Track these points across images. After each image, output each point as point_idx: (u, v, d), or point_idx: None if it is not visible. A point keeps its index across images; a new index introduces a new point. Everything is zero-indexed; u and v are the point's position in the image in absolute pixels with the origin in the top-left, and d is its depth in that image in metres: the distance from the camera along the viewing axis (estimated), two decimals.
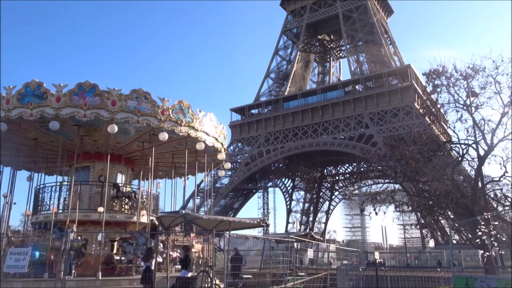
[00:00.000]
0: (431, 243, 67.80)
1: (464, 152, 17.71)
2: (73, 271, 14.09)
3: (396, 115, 71.08)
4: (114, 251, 16.31)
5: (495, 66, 16.50)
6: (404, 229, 64.09)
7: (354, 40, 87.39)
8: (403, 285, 17.09)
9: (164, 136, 15.15)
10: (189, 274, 13.63)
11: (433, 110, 22.35)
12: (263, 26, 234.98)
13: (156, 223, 16.52)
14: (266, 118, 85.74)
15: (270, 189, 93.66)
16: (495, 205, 17.49)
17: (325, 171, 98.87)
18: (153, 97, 15.18)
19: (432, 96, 19.59)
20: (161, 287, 13.68)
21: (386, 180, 26.49)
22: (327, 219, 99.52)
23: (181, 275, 13.62)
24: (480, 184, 17.17)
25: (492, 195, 17.68)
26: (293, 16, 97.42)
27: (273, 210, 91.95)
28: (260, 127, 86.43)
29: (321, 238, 43.86)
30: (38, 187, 18.50)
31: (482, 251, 13.45)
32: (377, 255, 35.62)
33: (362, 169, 72.90)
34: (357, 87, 80.00)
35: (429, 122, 38.89)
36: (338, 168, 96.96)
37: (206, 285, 13.62)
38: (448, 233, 35.49)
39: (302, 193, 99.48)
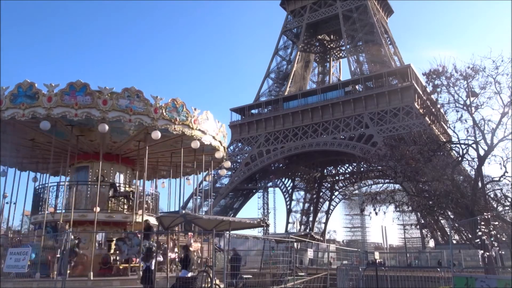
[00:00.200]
0: (431, 243, 67.79)
1: (464, 152, 17.72)
2: (68, 271, 14.03)
3: (396, 115, 71.08)
4: (112, 251, 16.28)
5: (495, 66, 16.54)
6: (404, 229, 64.07)
7: (354, 40, 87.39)
8: (403, 285, 17.09)
9: (156, 134, 14.99)
10: (189, 274, 13.63)
11: (433, 110, 22.36)
12: (263, 26, 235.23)
13: (150, 223, 16.49)
14: (266, 118, 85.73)
15: (270, 189, 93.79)
16: (495, 205, 17.49)
17: (325, 171, 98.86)
18: (145, 96, 15.02)
19: (432, 96, 19.60)
20: (161, 287, 13.68)
21: (386, 180, 26.50)
22: (327, 219, 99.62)
23: (181, 275, 13.62)
24: (480, 184, 17.18)
25: (492, 195, 17.68)
26: (293, 16, 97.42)
27: (273, 210, 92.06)
28: (260, 127, 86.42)
29: (321, 238, 43.87)
30: (37, 187, 18.52)
31: (482, 251, 13.46)
32: (377, 255, 35.60)
33: (362, 169, 72.88)
34: (357, 87, 79.99)
35: (429, 122, 38.90)
36: (338, 168, 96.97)
37: (206, 285, 13.62)
38: (448, 233, 35.49)
39: (302, 193, 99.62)
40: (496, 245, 12.78)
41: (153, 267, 13.41)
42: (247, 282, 17.90)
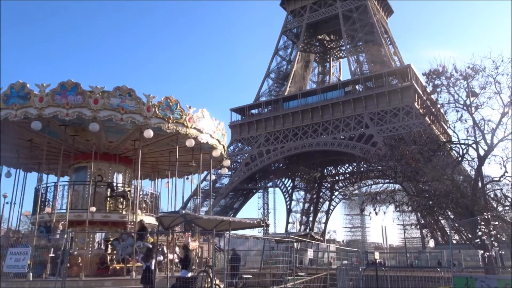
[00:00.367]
0: (431, 243, 67.79)
1: (464, 152, 17.72)
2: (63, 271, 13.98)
3: (396, 115, 71.08)
4: (109, 251, 16.27)
5: (495, 66, 16.53)
6: (404, 229, 64.06)
7: (354, 40, 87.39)
8: (403, 285, 17.09)
9: (149, 133, 14.84)
10: (189, 274, 13.63)
11: (433, 110, 22.36)
12: (263, 26, 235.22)
13: (145, 223, 16.44)
14: (266, 118, 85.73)
15: (270, 189, 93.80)
16: (495, 205, 17.49)
17: (325, 171, 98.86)
18: (138, 94, 14.90)
19: (432, 96, 19.60)
20: (161, 287, 13.68)
21: (386, 180, 26.49)
22: (327, 219, 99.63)
23: (181, 275, 13.62)
24: (480, 184, 17.17)
25: (492, 195, 17.68)
26: (293, 16, 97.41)
27: (273, 210, 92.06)
28: (260, 127, 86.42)
29: (321, 238, 43.87)
30: (37, 187, 18.51)
31: (482, 251, 13.45)
32: (377, 255, 35.60)
33: (362, 169, 72.90)
34: (357, 87, 79.99)
35: (429, 122, 38.91)
36: (338, 168, 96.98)
37: (206, 285, 13.62)
38: (448, 233, 35.46)
39: (302, 193, 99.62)
40: (496, 245, 12.77)
41: (153, 267, 13.41)
42: (247, 282, 17.91)
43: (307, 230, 79.04)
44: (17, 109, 14.18)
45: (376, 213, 20.56)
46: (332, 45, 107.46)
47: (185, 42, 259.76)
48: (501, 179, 16.81)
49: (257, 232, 65.18)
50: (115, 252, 15.69)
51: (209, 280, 13.48)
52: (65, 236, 14.21)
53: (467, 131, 17.33)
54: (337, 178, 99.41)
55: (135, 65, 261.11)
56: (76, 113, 14.06)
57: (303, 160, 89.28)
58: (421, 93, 64.01)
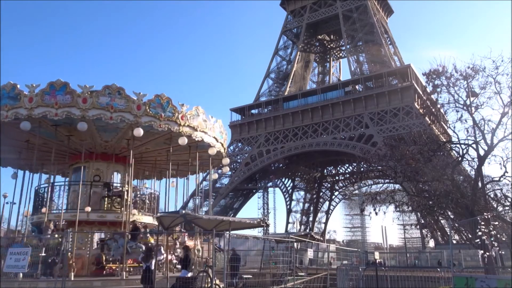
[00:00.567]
0: (431, 243, 67.79)
1: (464, 152, 17.71)
2: (56, 272, 13.93)
3: (396, 115, 71.07)
4: (105, 251, 16.25)
5: (495, 66, 16.52)
6: (404, 229, 64.06)
7: (354, 40, 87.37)
8: (403, 285, 17.09)
9: (139, 131, 14.65)
10: (189, 274, 13.63)
11: (433, 110, 22.35)
12: (263, 26, 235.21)
13: (138, 223, 16.38)
14: (266, 118, 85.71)
15: (270, 189, 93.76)
16: (495, 205, 17.48)
17: (325, 171, 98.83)
18: (128, 93, 14.72)
19: (432, 96, 19.58)
20: (161, 287, 13.67)
21: (386, 180, 26.47)
22: (327, 219, 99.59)
23: (181, 275, 13.62)
24: (480, 184, 17.16)
25: (492, 195, 17.67)
26: (293, 16, 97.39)
27: (273, 210, 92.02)
28: (260, 127, 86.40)
29: (321, 238, 43.88)
30: (36, 187, 18.52)
31: (482, 251, 13.46)
32: (377, 255, 35.59)
33: (362, 169, 72.86)
34: (357, 87, 79.98)
35: (429, 122, 38.91)
36: (338, 168, 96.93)
37: (206, 285, 13.61)
38: (448, 233, 35.48)
39: (302, 193, 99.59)
40: (496, 245, 12.78)
41: (153, 267, 13.41)
42: (247, 282, 17.91)
43: (307, 230, 79.04)
44: (8, 110, 14.22)
45: (376, 213, 20.56)
46: (332, 45, 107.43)
47: (185, 42, 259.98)
48: (501, 179, 16.80)
49: (257, 232, 65.21)
50: (106, 250, 15.67)
51: (209, 280, 13.46)
52: (56, 235, 14.25)
53: (467, 131, 17.34)
54: (337, 178, 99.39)
55: (135, 65, 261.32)
56: (65, 112, 13.99)
57: (303, 160, 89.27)
58: (421, 93, 64.00)
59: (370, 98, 75.31)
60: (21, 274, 13.30)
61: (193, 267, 14.77)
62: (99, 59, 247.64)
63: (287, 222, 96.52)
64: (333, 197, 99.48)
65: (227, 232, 14.42)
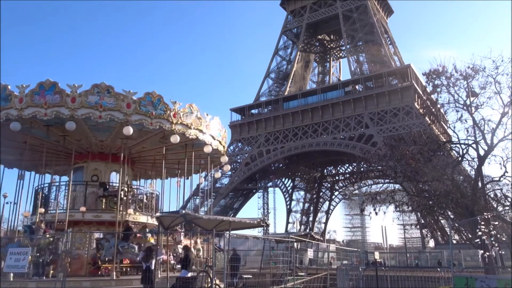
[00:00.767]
0: (431, 243, 67.79)
1: (464, 152, 17.69)
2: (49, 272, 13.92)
3: (396, 115, 71.08)
4: (101, 251, 16.23)
5: (495, 66, 16.48)
6: (404, 229, 64.11)
7: (354, 40, 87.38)
8: (403, 285, 17.09)
9: (128, 130, 14.44)
10: (189, 274, 13.63)
11: (433, 110, 22.33)
12: (263, 26, 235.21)
13: (130, 223, 16.34)
14: (266, 118, 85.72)
15: (270, 189, 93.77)
16: (495, 205, 17.47)
17: (325, 171, 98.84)
18: (117, 91, 14.57)
19: (432, 96, 19.57)
20: (161, 287, 13.67)
21: (386, 180, 26.48)
22: (327, 219, 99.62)
23: (181, 275, 13.62)
24: (480, 184, 17.15)
25: (492, 195, 17.65)
26: (293, 16, 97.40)
27: (273, 210, 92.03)
28: (260, 127, 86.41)
29: (321, 238, 43.91)
30: (36, 188, 18.51)
31: (482, 251, 13.45)
32: (377, 255, 35.65)
33: (362, 169, 72.89)
34: (357, 87, 79.98)
35: (429, 122, 38.89)
36: (338, 168, 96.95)
37: (206, 285, 13.62)
38: (448, 233, 35.49)
39: (302, 193, 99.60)
40: (496, 245, 12.77)
41: (153, 267, 13.41)
42: (247, 282, 17.91)
43: (307, 230, 79.02)
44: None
45: (376, 213, 20.55)
46: (332, 45, 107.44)
47: (185, 42, 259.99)
48: (501, 179, 16.78)
49: (257, 232, 65.20)
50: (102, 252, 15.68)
51: (209, 280, 13.47)
52: (47, 235, 14.23)
53: (467, 131, 17.32)
54: (337, 178, 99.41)
55: (135, 65, 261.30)
56: (54, 112, 13.94)
57: (303, 160, 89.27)
58: (421, 93, 63.98)
59: (370, 98, 75.31)
60: (11, 274, 13.24)
61: (193, 267, 14.77)
62: (99, 59, 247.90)
63: (287, 222, 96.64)
64: (333, 197, 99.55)
65: (227, 232, 14.42)
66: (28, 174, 19.38)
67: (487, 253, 12.88)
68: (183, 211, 14.31)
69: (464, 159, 17.89)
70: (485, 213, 14.23)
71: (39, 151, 17.06)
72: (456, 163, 18.42)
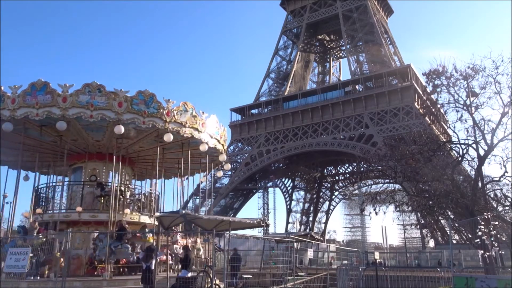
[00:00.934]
0: (431, 243, 67.78)
1: (464, 152, 17.68)
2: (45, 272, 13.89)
3: (396, 115, 71.07)
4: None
5: (495, 66, 16.45)
6: (404, 229, 64.09)
7: (354, 40, 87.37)
8: (403, 285, 17.09)
9: (119, 129, 14.34)
10: (189, 274, 13.63)
11: (433, 110, 22.32)
12: (263, 26, 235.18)
13: (124, 224, 16.33)
14: (266, 118, 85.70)
15: (270, 189, 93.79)
16: (495, 205, 17.46)
17: (325, 171, 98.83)
18: (109, 90, 14.52)
19: (432, 96, 19.56)
20: (161, 287, 13.67)
21: (386, 180, 26.46)
22: (327, 219, 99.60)
23: (181, 275, 13.62)
24: (480, 184, 17.14)
25: (492, 195, 17.65)
26: (293, 16, 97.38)
27: (273, 210, 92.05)
28: (260, 127, 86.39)
29: (321, 238, 43.92)
30: (36, 188, 18.50)
31: (482, 251, 13.44)
32: (377, 255, 35.55)
33: (362, 169, 72.89)
34: (357, 87, 79.97)
35: (429, 122, 38.85)
36: (338, 168, 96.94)
37: (206, 285, 13.62)
38: (448, 233, 35.46)
39: (302, 193, 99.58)
40: (496, 245, 12.76)
41: (153, 267, 13.41)
42: (247, 282, 17.90)
43: (307, 230, 79.04)
44: None
45: (376, 213, 20.53)
46: (332, 45, 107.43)
47: (185, 42, 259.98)
48: (501, 179, 16.76)
49: (257, 232, 65.23)
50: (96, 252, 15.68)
51: (209, 280, 13.47)
52: (40, 235, 14.20)
53: (467, 131, 17.30)
54: (337, 178, 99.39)
55: (135, 65, 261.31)
56: (45, 112, 13.95)
57: (303, 160, 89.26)
58: (421, 93, 63.97)
59: (370, 98, 75.30)
60: (4, 275, 13.22)
61: (193, 267, 14.76)
62: (99, 59, 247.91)
63: (287, 222, 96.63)
64: (333, 197, 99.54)
65: (227, 232, 14.42)
66: (30, 175, 19.47)
67: (487, 253, 12.87)
68: (183, 211, 14.32)
69: (464, 159, 17.89)
70: (485, 213, 14.22)
71: (39, 151, 17.07)
72: (456, 163, 18.41)
